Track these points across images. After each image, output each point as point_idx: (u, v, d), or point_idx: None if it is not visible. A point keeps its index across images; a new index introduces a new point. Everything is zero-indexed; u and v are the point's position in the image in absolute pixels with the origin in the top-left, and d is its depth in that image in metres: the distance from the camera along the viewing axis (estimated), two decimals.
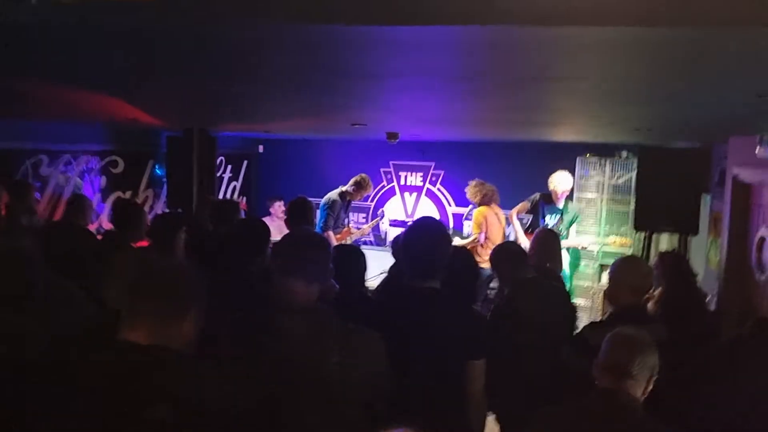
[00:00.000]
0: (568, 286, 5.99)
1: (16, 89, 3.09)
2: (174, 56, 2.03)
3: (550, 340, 3.01)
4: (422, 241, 2.39)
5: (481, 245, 5.81)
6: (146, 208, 6.90)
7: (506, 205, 7.36)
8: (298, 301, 1.96)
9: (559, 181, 5.96)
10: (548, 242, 3.93)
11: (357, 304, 2.48)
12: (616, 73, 1.99)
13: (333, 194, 6.14)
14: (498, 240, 5.66)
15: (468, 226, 7.43)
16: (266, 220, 6.92)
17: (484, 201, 6.01)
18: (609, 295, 3.05)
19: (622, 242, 6.58)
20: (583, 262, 6.51)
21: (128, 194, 6.71)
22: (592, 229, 6.65)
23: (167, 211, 6.07)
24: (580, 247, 6.11)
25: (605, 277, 6.49)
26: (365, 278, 3.14)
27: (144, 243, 3.81)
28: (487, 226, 5.91)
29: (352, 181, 6.23)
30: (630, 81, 2.18)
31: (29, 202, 4.68)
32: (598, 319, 5.38)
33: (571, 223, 6.01)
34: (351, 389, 1.93)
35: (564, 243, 5.85)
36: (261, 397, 1.76)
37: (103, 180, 6.48)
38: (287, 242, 2.15)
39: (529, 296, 3.16)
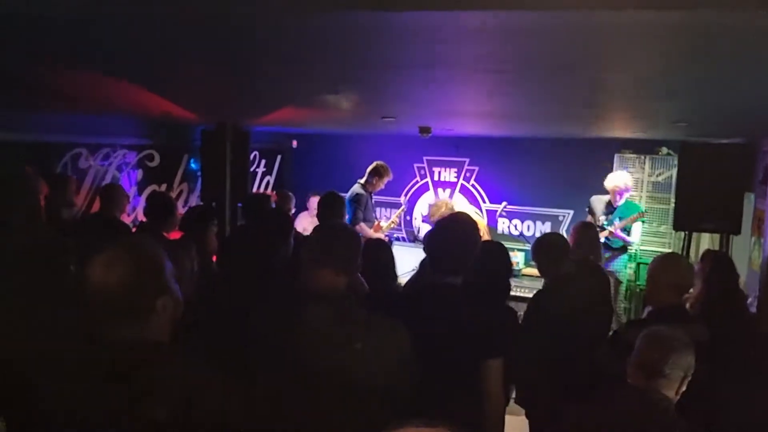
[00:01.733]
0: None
1: (54, 83, 3.15)
2: (207, 48, 2.03)
3: (584, 338, 2.94)
4: (445, 237, 2.37)
5: None
6: (181, 202, 7.00)
7: (544, 203, 7.27)
8: (325, 289, 1.96)
9: (616, 180, 5.84)
10: (587, 233, 3.85)
11: (382, 298, 2.46)
12: (656, 60, 1.92)
13: (356, 188, 6.17)
14: None
15: (502, 223, 7.36)
16: (303, 214, 7.00)
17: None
18: (648, 293, 2.96)
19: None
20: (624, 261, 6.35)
21: (163, 187, 6.81)
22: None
23: (200, 203, 6.14)
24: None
25: (643, 276, 6.36)
26: (395, 272, 3.12)
27: (176, 234, 3.85)
28: None
29: (368, 171, 6.24)
30: (670, 70, 2.10)
31: (69, 194, 4.78)
32: (636, 318, 5.26)
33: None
34: (373, 376, 1.92)
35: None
36: (266, 394, 1.76)
37: (140, 173, 6.59)
38: (317, 233, 2.16)
39: (565, 292, 3.09)
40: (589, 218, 6.15)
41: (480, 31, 1.52)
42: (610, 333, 3.14)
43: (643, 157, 6.55)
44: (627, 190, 5.88)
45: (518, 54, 1.88)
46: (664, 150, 6.49)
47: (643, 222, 6.01)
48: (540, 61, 1.97)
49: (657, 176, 6.55)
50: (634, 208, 5.92)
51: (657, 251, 6.30)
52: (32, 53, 2.25)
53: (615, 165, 6.54)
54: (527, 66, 2.08)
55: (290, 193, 6.29)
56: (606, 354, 2.77)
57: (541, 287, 3.39)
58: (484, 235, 5.90)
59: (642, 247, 6.47)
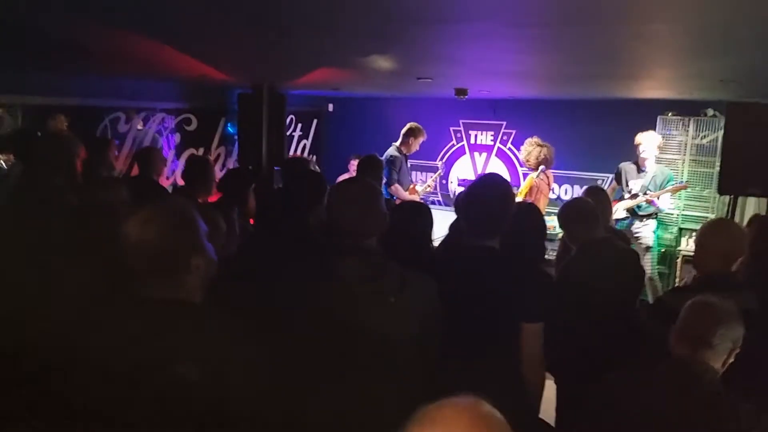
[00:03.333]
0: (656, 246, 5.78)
1: (93, 45, 3.16)
2: (244, 6, 2.00)
3: (613, 306, 2.88)
4: (481, 200, 2.34)
5: None
6: (218, 165, 7.07)
7: (583, 167, 7.12)
8: (354, 244, 1.97)
9: (645, 141, 5.68)
10: (605, 199, 3.76)
11: (417, 259, 2.44)
12: (701, 13, 1.82)
13: (390, 150, 6.15)
14: (543, 207, 5.47)
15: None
16: (343, 176, 7.01)
17: (539, 164, 5.81)
18: (696, 260, 2.85)
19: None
20: (660, 227, 6.20)
21: (201, 151, 6.88)
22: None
23: (238, 166, 6.19)
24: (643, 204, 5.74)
25: (685, 242, 6.20)
26: (431, 238, 3.09)
27: (214, 198, 3.88)
28: (534, 195, 5.73)
29: (402, 133, 6.19)
30: (711, 24, 1.99)
31: (108, 158, 4.85)
32: (681, 285, 5.16)
33: (660, 187, 5.68)
34: (405, 328, 1.93)
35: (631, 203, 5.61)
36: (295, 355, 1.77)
37: (178, 137, 6.65)
38: (340, 189, 2.14)
39: (594, 258, 3.03)
40: (613, 185, 5.99)
41: None
42: (655, 298, 3.07)
43: (687, 119, 6.33)
44: (652, 150, 5.67)
45: (559, 5, 1.80)
46: (710, 111, 6.25)
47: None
48: (582, 12, 1.88)
49: (701, 139, 6.33)
50: (669, 177, 5.74)
51: (700, 216, 6.14)
52: (71, 13, 2.25)
53: (658, 127, 6.34)
54: (568, 19, 1.99)
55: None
56: (649, 320, 2.72)
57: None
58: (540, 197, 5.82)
59: (684, 212, 6.30)
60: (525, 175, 7.46)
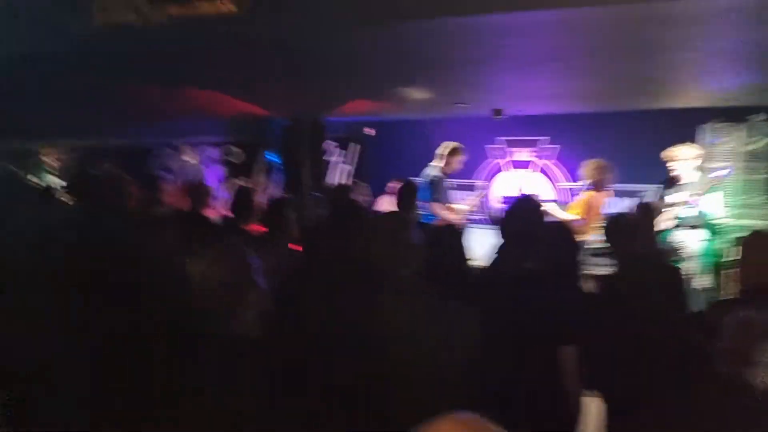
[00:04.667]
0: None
1: (151, 99, 3.34)
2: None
3: (657, 322, 2.83)
4: (515, 222, 2.36)
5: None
6: (261, 194, 7.24)
7: (627, 179, 6.99)
8: (395, 274, 2.02)
9: (677, 158, 5.53)
10: (653, 215, 3.71)
11: (455, 283, 2.47)
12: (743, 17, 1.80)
13: (432, 171, 6.12)
14: (593, 225, 5.38)
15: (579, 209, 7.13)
16: (384, 198, 7.06)
17: (599, 185, 5.72)
18: (743, 272, 2.78)
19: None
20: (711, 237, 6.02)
21: (243, 180, 7.06)
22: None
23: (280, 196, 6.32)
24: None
25: (734, 253, 5.97)
26: (464, 257, 3.10)
27: (257, 227, 3.99)
28: (590, 213, 5.64)
29: (442, 153, 6.15)
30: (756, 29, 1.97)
31: (158, 194, 5.04)
32: (726, 299, 4.99)
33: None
34: (443, 359, 1.95)
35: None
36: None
37: (223, 168, 6.86)
38: (379, 222, 2.20)
39: (641, 274, 2.99)
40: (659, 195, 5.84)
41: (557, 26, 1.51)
42: (699, 312, 3.00)
43: (735, 125, 6.17)
44: (686, 165, 5.49)
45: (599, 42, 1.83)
46: (761, 116, 6.08)
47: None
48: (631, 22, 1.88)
49: (752, 144, 6.15)
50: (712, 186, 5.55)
51: (752, 224, 5.94)
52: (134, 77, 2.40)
53: (703, 136, 6.19)
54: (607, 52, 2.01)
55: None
56: (694, 334, 2.66)
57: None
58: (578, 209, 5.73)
59: (737, 221, 6.11)
60: (573, 192, 7.40)
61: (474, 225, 6.08)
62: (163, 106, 4.18)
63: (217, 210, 6.49)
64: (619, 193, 7.05)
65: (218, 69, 2.53)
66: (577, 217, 5.57)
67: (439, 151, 6.19)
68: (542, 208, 2.49)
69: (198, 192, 4.84)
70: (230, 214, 4.41)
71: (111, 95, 3.39)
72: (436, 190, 6.02)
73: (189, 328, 1.77)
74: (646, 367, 2.68)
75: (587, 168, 5.78)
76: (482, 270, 3.32)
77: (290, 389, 1.69)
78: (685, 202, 5.41)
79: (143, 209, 4.49)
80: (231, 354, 1.67)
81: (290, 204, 4.11)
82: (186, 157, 6.42)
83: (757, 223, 5.87)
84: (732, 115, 6.17)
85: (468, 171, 7.68)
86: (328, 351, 1.99)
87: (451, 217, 5.94)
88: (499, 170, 8.07)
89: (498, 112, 5.40)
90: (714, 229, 5.88)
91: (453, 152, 6.14)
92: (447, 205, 6.17)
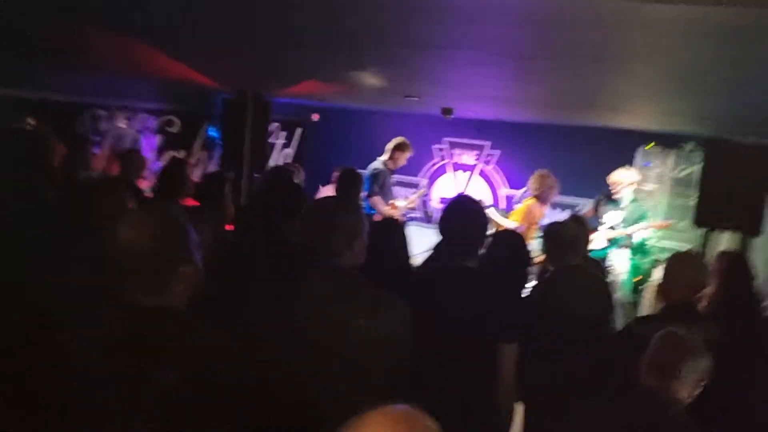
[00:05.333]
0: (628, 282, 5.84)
1: (74, 40, 3.13)
2: (228, 17, 2.00)
3: (584, 332, 2.91)
4: (457, 221, 2.37)
5: None
6: (199, 169, 7.02)
7: (563, 192, 7.17)
8: (329, 263, 1.96)
9: (620, 181, 5.75)
10: (586, 228, 3.82)
11: (393, 278, 2.44)
12: (679, 55, 1.86)
13: (375, 164, 6.10)
14: (530, 234, 5.50)
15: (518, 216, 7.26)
16: (327, 188, 6.98)
17: (542, 196, 5.83)
18: (662, 289, 2.92)
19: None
20: (636, 256, 6.27)
21: (182, 154, 6.83)
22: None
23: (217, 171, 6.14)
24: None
25: (658, 272, 6.25)
26: (407, 252, 3.09)
27: (191, 201, 3.85)
28: (529, 222, 5.76)
29: (388, 148, 6.14)
30: (691, 66, 2.04)
31: (86, 156, 4.79)
32: (648, 314, 5.20)
33: (635, 221, 5.76)
34: (375, 352, 1.91)
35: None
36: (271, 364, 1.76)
37: (159, 139, 6.60)
38: (318, 207, 2.13)
39: (569, 284, 3.06)
40: (589, 210, 6.05)
41: (510, 15, 1.49)
42: (622, 327, 3.11)
43: (667, 151, 6.44)
44: (625, 185, 5.74)
45: (542, 42, 1.83)
46: (690, 146, 6.37)
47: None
48: (570, 49, 1.92)
49: (680, 172, 6.44)
50: (642, 213, 5.83)
51: (677, 247, 6.21)
52: (57, 12, 2.24)
53: (637, 159, 6.44)
54: (551, 54, 2.03)
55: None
56: (616, 347, 2.74)
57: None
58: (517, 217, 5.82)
59: (661, 243, 6.38)
60: (508, 197, 7.53)
61: (412, 222, 6.08)
62: (100, 58, 3.95)
63: (150, 182, 6.27)
64: (558, 205, 7.24)
65: (162, 25, 2.39)
66: (516, 224, 5.67)
67: (387, 145, 6.18)
68: (483, 208, 2.49)
69: (131, 159, 4.63)
70: (160, 185, 4.24)
71: (41, 40, 3.17)
72: (377, 183, 6.00)
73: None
74: (569, 376, 2.74)
75: (536, 177, 5.88)
76: (420, 266, 3.33)
77: (213, 370, 1.60)
78: (618, 224, 5.65)
79: (68, 170, 4.26)
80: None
81: (226, 180, 3.98)
82: (120, 122, 6.14)
83: (682, 246, 6.14)
84: (664, 141, 6.43)
85: (413, 169, 7.71)
86: (251, 338, 1.92)
87: (390, 212, 5.93)
88: (443, 171, 8.12)
89: (448, 111, 5.41)
90: (641, 250, 6.13)
91: (400, 147, 6.13)
92: (389, 200, 6.17)
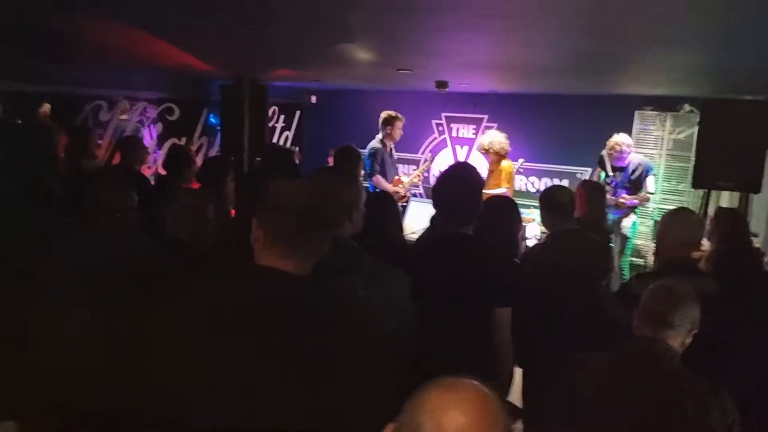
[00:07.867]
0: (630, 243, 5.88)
1: (75, 33, 3.17)
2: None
3: (580, 293, 2.96)
4: (452, 189, 2.39)
5: None
6: (200, 155, 7.07)
7: (562, 161, 7.21)
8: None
9: (621, 138, 5.76)
10: (593, 195, 3.84)
11: (390, 249, 2.48)
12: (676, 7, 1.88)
13: (373, 142, 6.15)
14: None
15: (519, 180, 7.28)
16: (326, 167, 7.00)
17: (507, 154, 5.94)
18: (658, 248, 2.98)
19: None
20: (638, 220, 6.31)
21: (183, 141, 6.87)
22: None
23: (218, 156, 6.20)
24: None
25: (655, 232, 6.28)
26: (398, 226, 3.11)
27: (194, 185, 3.91)
28: (511, 182, 5.86)
29: (380, 124, 6.17)
30: (690, 19, 2.06)
31: (89, 146, 4.84)
32: (645, 272, 5.25)
33: (643, 177, 5.73)
34: (376, 323, 1.95)
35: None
36: None
37: (160, 127, 6.65)
38: (316, 178, 2.17)
39: (563, 247, 3.11)
40: (596, 174, 6.07)
41: None
42: (621, 284, 3.16)
43: (664, 114, 6.45)
44: (624, 152, 5.74)
45: None
46: (686, 107, 6.37)
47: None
48: (549, 5, 1.94)
49: (678, 134, 6.45)
50: (648, 166, 5.81)
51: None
52: (55, 2, 2.28)
53: (635, 122, 6.45)
54: (535, 11, 2.05)
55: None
56: (614, 306, 2.80)
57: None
58: (506, 182, 5.88)
59: (660, 206, 6.42)
60: None
61: (415, 199, 6.13)
62: (99, 49, 3.99)
63: (152, 168, 6.33)
64: (557, 174, 7.28)
65: (162, 12, 2.42)
66: (508, 188, 5.75)
67: (379, 121, 6.20)
68: (477, 175, 2.52)
69: (132, 147, 4.69)
70: (165, 172, 4.30)
71: (40, 31, 3.21)
72: (377, 161, 6.04)
73: None
74: (566, 335, 2.80)
75: (504, 138, 5.94)
76: (417, 238, 3.37)
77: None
78: (621, 203, 5.67)
79: (73, 160, 4.32)
80: None
81: (227, 164, 4.03)
82: (122, 112, 6.19)
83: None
84: (660, 104, 6.43)
85: (413, 145, 7.74)
86: None
87: (394, 189, 5.98)
88: (444, 146, 8.15)
89: (442, 84, 5.42)
90: (643, 213, 6.15)
91: (388, 121, 6.14)
92: (392, 177, 6.21)
